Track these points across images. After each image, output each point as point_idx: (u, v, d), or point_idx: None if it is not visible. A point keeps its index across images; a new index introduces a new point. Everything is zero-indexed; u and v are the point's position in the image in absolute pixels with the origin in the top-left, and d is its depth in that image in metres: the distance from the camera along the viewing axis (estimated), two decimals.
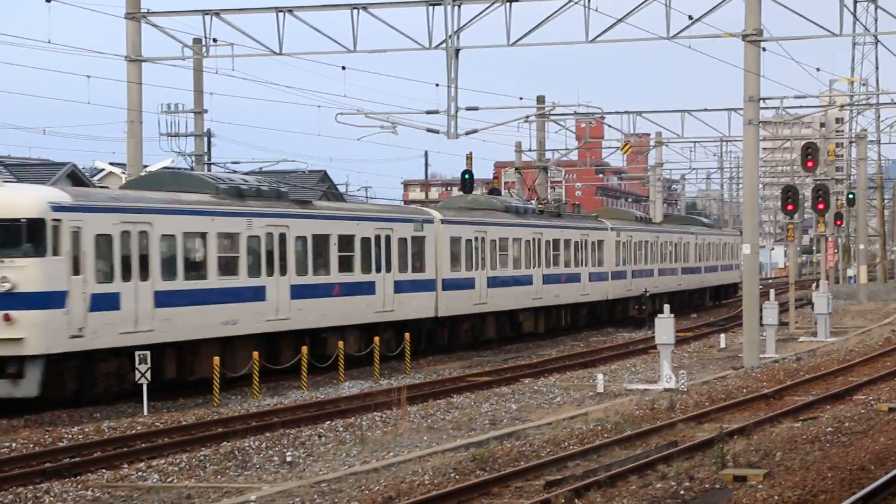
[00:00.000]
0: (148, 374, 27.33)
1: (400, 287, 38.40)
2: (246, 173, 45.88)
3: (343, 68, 39.81)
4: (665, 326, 31.21)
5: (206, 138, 51.29)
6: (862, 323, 53.99)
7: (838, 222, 78.56)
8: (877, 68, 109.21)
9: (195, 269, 30.57)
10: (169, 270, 29.72)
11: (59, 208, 27.17)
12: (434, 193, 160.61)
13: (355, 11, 35.56)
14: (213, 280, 30.99)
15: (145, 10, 36.54)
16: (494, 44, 37.23)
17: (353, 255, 36.28)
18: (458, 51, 36.14)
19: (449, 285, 41.21)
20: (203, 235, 30.85)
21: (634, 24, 37.06)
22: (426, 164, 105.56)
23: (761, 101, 37.78)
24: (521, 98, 55.91)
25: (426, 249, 40.13)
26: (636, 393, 29.94)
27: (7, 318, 26.46)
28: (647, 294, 56.50)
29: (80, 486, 18.99)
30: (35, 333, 26.54)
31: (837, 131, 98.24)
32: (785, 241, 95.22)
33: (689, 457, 20.49)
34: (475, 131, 44.91)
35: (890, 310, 62.34)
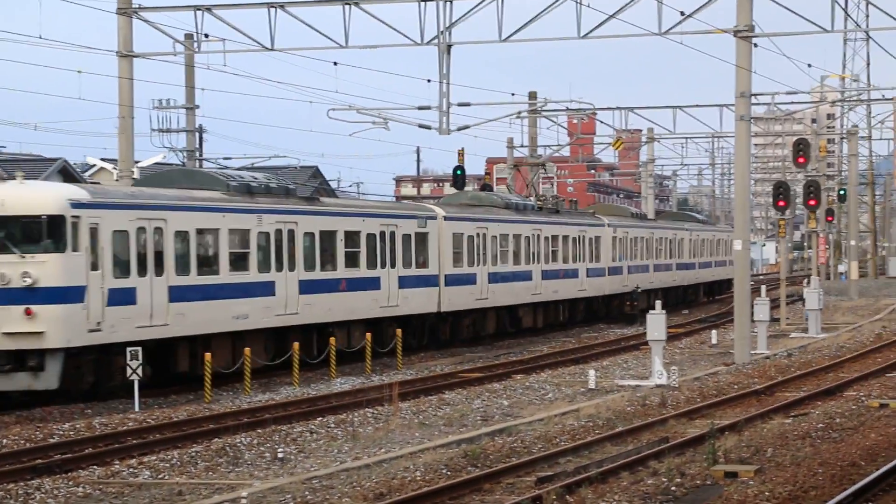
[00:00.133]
0: (140, 371, 27.41)
1: (404, 282, 38.97)
2: (237, 169, 45.85)
3: (335, 64, 39.81)
4: (656, 323, 31.23)
5: (197, 134, 51.26)
6: (853, 319, 54.07)
7: (829, 218, 78.65)
8: (868, 64, 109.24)
9: (207, 264, 31.10)
10: (182, 266, 30.22)
11: (78, 205, 27.65)
12: (426, 189, 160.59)
13: (347, 7, 35.53)
14: (225, 275, 31.51)
15: (137, 6, 36.49)
16: (486, 39, 37.28)
17: (358, 251, 36.85)
18: (449, 46, 36.14)
19: (451, 281, 41.74)
20: (215, 231, 31.35)
21: (626, 20, 37.21)
22: (418, 160, 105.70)
23: (753, 97, 37.81)
24: (512, 94, 55.82)
25: (429, 245, 40.68)
26: (627, 389, 29.97)
27: (28, 313, 26.96)
28: (639, 290, 56.71)
29: (70, 483, 18.97)
30: (55, 327, 27.02)
31: (829, 127, 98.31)
32: (776, 237, 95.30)
33: (681, 453, 20.51)
34: (467, 127, 44.94)
35: (881, 306, 62.44)
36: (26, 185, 28.10)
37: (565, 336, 48.33)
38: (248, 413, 26.15)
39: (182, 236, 30.23)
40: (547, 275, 48.60)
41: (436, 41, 35.83)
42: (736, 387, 30.04)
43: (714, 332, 45.24)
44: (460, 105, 46.93)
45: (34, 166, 55.63)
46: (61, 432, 23.62)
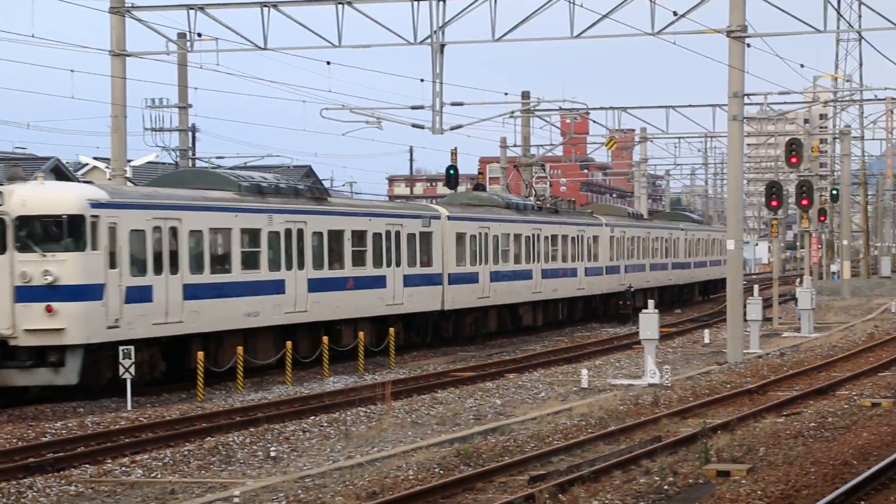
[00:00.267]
0: (132, 369, 27.47)
1: (409, 281, 39.55)
2: (229, 168, 45.82)
3: (328, 63, 39.86)
4: (649, 322, 31.25)
5: (190, 133, 51.21)
6: (845, 318, 54.13)
7: (822, 218, 78.73)
8: (860, 65, 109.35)
9: (220, 263, 31.68)
10: (196, 264, 30.77)
11: (97, 205, 28.17)
12: (419, 189, 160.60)
13: (340, 6, 35.53)
14: (237, 274, 32.06)
15: (129, 5, 36.48)
16: (479, 39, 37.28)
17: (365, 250, 37.39)
18: (443, 46, 36.15)
19: (455, 279, 42.31)
20: (227, 231, 31.91)
21: (619, 20, 37.31)
22: (411, 160, 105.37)
23: (746, 97, 37.88)
24: (506, 94, 55.99)
25: (433, 245, 41.27)
26: (620, 388, 29.98)
27: (49, 310, 27.46)
28: (632, 289, 56.88)
29: (63, 482, 18.96)
30: (75, 324, 27.55)
31: (821, 127, 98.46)
32: (769, 237, 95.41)
33: (673, 452, 20.53)
34: (460, 126, 44.93)
35: (873, 305, 62.51)
36: (46, 186, 28.74)
37: (566, 334, 48.56)
38: (240, 412, 26.14)
39: (196, 235, 30.81)
40: (547, 274, 49.19)
41: (429, 41, 35.83)
42: (728, 386, 30.07)
43: (706, 331, 45.28)
44: (453, 105, 47.02)
45: (27, 165, 55.53)
46: (53, 431, 23.60)
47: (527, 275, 47.52)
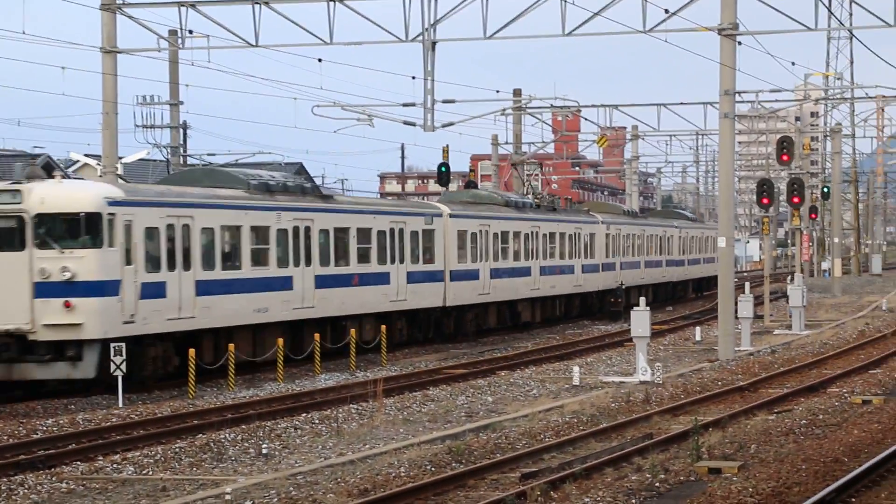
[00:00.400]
0: (123, 366, 27.52)
1: (412, 277, 40.26)
2: (221, 166, 45.81)
3: (319, 60, 39.81)
4: (641, 319, 31.27)
5: (181, 130, 51.14)
6: (836, 316, 54.21)
7: (813, 216, 78.79)
8: (851, 63, 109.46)
9: (231, 259, 32.33)
10: (208, 261, 31.42)
11: (113, 203, 28.79)
12: (410, 186, 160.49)
13: (331, 3, 35.49)
14: (247, 270, 32.76)
15: (121, 2, 36.39)
16: (471, 36, 37.26)
17: (370, 247, 38.08)
18: (434, 43, 36.13)
19: (456, 276, 42.95)
20: (238, 228, 32.56)
21: (611, 18, 37.20)
22: (402, 157, 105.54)
23: (737, 94, 37.91)
24: (497, 91, 56.04)
25: (436, 242, 41.95)
26: (612, 385, 30.00)
27: (68, 305, 28.08)
28: (623, 287, 57.06)
29: (54, 479, 18.94)
30: (93, 319, 28.18)
31: (812, 125, 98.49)
32: (760, 235, 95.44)
33: (665, 449, 20.55)
34: (451, 124, 44.98)
35: (864, 303, 62.60)
36: (65, 184, 29.33)
37: (557, 332, 48.69)
38: (232, 409, 26.13)
39: (208, 233, 31.46)
40: (545, 271, 49.80)
41: (420, 38, 35.81)
42: (720, 383, 30.10)
43: (698, 328, 45.31)
44: (445, 102, 47.11)
45: (17, 162, 55.38)
46: (44, 428, 23.58)
47: (526, 272, 48.14)
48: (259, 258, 33.18)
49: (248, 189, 33.59)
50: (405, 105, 44.36)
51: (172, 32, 39.00)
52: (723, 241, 36.99)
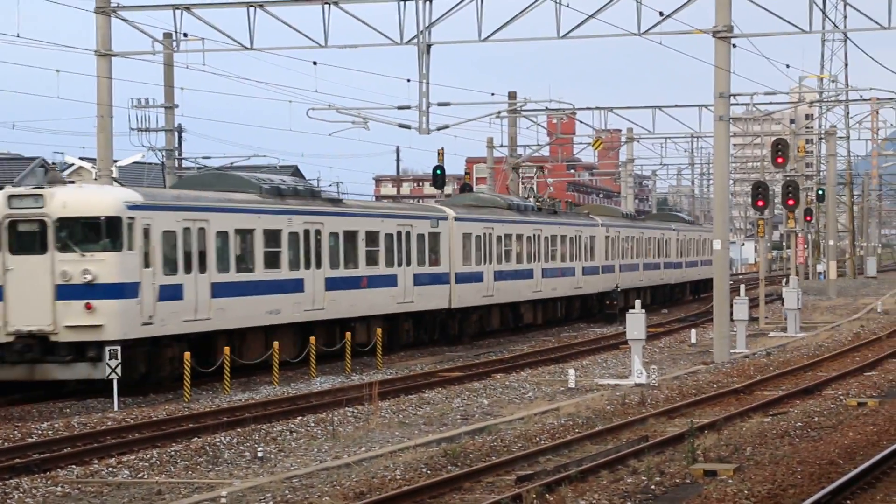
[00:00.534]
0: (118, 370, 27.56)
1: (419, 280, 40.78)
2: (216, 169, 45.80)
3: (314, 63, 39.89)
4: (636, 322, 31.28)
5: (176, 133, 51.14)
6: (831, 318, 54.24)
7: (808, 218, 78.90)
8: (846, 65, 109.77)
9: (244, 262, 32.82)
10: (223, 264, 31.92)
11: (133, 207, 29.35)
12: (405, 189, 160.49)
13: (326, 6, 35.50)
14: (260, 273, 33.26)
15: (115, 5, 36.40)
16: (466, 39, 37.29)
17: (378, 249, 38.61)
18: (429, 46, 36.14)
19: (461, 279, 43.46)
20: (251, 232, 33.06)
21: (605, 21, 37.38)
22: (398, 160, 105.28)
23: (732, 97, 37.91)
24: (492, 94, 55.93)
25: (441, 245, 42.42)
26: (607, 388, 30.01)
27: (88, 307, 28.61)
28: (618, 289, 57.17)
29: (49, 482, 18.92)
30: (113, 321, 28.74)
31: (807, 127, 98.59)
32: (755, 237, 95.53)
33: (660, 452, 20.55)
34: (447, 127, 44.94)
35: (859, 305, 62.65)
36: (85, 189, 29.85)
37: (552, 334, 48.75)
38: (227, 412, 26.10)
39: (223, 236, 31.97)
40: (546, 273, 50.25)
41: (415, 41, 35.82)
42: (715, 386, 30.11)
43: (693, 331, 45.34)
44: (440, 105, 47.02)
45: (12, 165, 55.45)
46: (40, 431, 23.56)
47: (528, 274, 48.60)
48: (271, 261, 33.67)
49: (260, 193, 34.05)
50: (400, 108, 44.38)
51: (167, 35, 38.98)
52: (718, 243, 37.02)
